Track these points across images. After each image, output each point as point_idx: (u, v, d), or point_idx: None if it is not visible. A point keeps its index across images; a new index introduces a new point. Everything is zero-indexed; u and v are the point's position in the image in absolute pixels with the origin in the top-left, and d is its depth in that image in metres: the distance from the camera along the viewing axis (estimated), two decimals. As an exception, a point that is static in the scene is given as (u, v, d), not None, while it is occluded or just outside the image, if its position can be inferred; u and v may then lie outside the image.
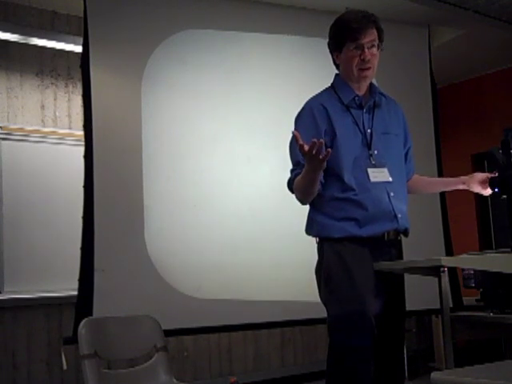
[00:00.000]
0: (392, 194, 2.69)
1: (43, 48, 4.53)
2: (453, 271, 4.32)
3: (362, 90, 2.75)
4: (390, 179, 2.70)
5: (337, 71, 2.84)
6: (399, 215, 2.67)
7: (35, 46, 4.49)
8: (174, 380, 3.32)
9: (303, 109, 2.76)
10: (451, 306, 3.98)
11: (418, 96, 4.96)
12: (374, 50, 2.69)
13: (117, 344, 3.31)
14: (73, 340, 3.37)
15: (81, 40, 3.94)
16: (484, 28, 5.17)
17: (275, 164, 4.24)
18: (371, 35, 2.67)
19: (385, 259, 2.66)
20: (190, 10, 4.26)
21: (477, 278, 4.30)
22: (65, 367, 3.48)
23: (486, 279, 4.13)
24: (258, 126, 4.32)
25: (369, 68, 2.70)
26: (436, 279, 2.69)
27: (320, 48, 4.52)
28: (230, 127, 4.28)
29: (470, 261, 3.17)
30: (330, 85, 2.84)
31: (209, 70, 4.25)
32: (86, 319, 3.26)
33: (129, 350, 3.35)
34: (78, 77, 4.19)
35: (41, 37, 4.40)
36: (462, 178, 2.93)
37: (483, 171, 6.20)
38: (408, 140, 2.92)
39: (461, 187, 2.93)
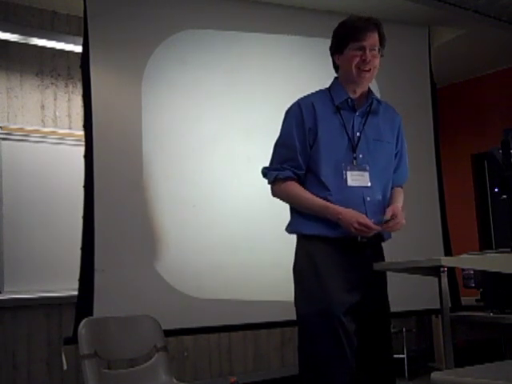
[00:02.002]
0: (368, 199, 2.68)
1: (43, 48, 4.53)
2: (452, 271, 4.32)
3: (357, 93, 2.77)
4: (369, 184, 2.70)
5: (335, 75, 2.86)
6: (372, 220, 2.65)
7: (35, 46, 4.49)
8: (174, 380, 3.32)
9: (293, 105, 2.81)
10: (450, 305, 3.98)
11: (418, 96, 4.96)
12: (375, 53, 2.71)
13: (117, 344, 3.31)
14: (73, 340, 3.37)
15: (81, 40, 3.94)
16: (484, 28, 5.17)
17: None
18: (373, 38, 2.70)
19: (359, 260, 2.65)
20: (189, 10, 4.26)
21: (477, 278, 4.30)
22: (65, 367, 3.48)
23: (485, 279, 4.13)
24: (258, 125, 4.31)
25: (368, 70, 2.71)
26: (435, 279, 2.70)
27: (320, 48, 4.53)
28: (230, 127, 4.28)
29: (470, 261, 3.18)
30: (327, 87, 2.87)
31: (209, 70, 4.26)
32: (86, 319, 3.27)
33: (129, 350, 3.35)
34: (78, 77, 4.19)
35: (41, 37, 4.39)
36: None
37: (483, 171, 6.27)
38: (399, 150, 2.89)
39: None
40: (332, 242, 2.64)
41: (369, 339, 2.66)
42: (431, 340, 5.90)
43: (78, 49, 4.11)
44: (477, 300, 4.37)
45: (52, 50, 4.57)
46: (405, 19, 4.83)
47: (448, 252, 4.73)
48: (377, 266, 2.65)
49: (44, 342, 4.36)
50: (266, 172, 2.80)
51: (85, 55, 3.89)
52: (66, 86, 4.67)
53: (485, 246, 6.17)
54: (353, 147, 2.71)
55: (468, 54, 5.68)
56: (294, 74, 4.50)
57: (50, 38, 4.43)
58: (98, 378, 3.06)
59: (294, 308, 2.77)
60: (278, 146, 2.79)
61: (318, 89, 2.87)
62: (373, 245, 2.73)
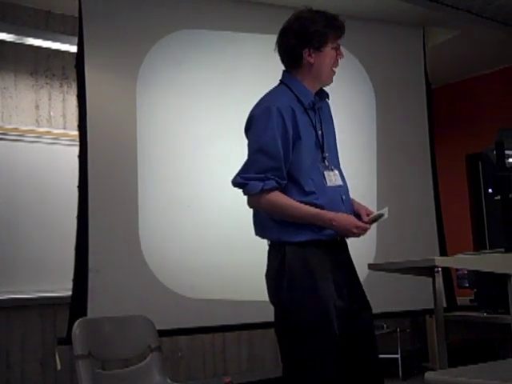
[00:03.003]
0: (344, 197, 2.66)
1: (38, 48, 4.52)
2: (446, 271, 4.33)
3: (315, 91, 2.68)
4: (341, 183, 2.67)
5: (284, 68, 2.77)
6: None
7: (30, 46, 4.48)
8: (168, 380, 3.32)
9: (269, 109, 2.58)
10: (445, 306, 3.99)
11: (413, 96, 4.97)
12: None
13: (111, 344, 3.31)
14: (67, 340, 3.36)
15: (75, 40, 3.93)
16: (478, 29, 5.19)
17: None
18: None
19: (340, 261, 2.61)
20: (185, 9, 4.26)
21: (470, 279, 4.31)
22: (59, 367, 3.47)
23: (479, 279, 4.14)
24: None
25: (335, 70, 2.68)
26: (429, 279, 2.71)
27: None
28: (226, 127, 4.27)
29: (464, 261, 3.19)
30: (279, 82, 2.76)
31: (204, 70, 4.25)
32: (80, 319, 3.26)
33: (123, 350, 3.35)
34: (73, 77, 4.18)
35: (36, 36, 4.38)
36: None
37: (477, 172, 6.28)
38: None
39: None
40: (321, 245, 2.57)
41: (355, 340, 2.61)
42: (425, 340, 5.91)
43: (73, 49, 4.09)
44: (471, 300, 4.38)
45: (47, 49, 4.56)
46: (400, 20, 4.83)
47: (443, 252, 4.74)
48: (372, 267, 2.65)
49: (38, 343, 4.35)
50: (244, 182, 2.59)
51: (79, 55, 3.88)
52: (61, 86, 4.66)
53: (479, 246, 6.18)
54: (321, 147, 2.64)
55: (463, 54, 5.69)
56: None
57: (44, 38, 4.42)
58: (91, 378, 3.05)
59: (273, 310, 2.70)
60: (259, 152, 2.57)
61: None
62: (346, 245, 2.71)
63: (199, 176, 4.17)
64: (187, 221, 4.06)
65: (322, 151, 2.64)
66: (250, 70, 4.41)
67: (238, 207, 4.22)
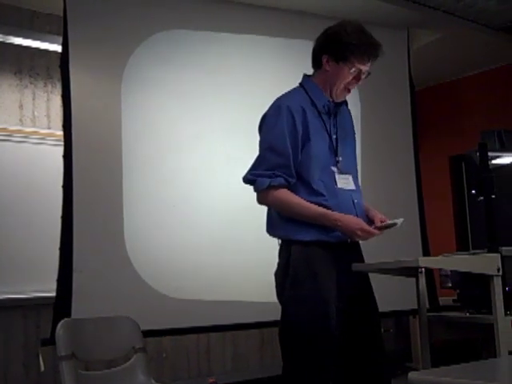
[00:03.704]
0: (356, 201, 2.69)
1: (22, 47, 4.49)
2: (429, 272, 4.36)
3: (330, 97, 2.72)
4: (354, 187, 2.70)
5: (307, 71, 2.80)
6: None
7: (14, 45, 4.45)
8: (153, 381, 3.31)
9: (280, 108, 2.64)
10: (428, 306, 4.01)
11: (397, 98, 5.00)
12: (365, 75, 2.67)
13: (95, 345, 3.30)
14: (51, 341, 3.35)
15: (60, 39, 3.91)
16: (462, 31, 5.23)
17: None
18: (370, 64, 2.65)
19: (347, 263, 2.62)
20: (170, 10, 4.25)
21: (454, 279, 4.34)
22: (42, 369, 3.45)
23: (462, 280, 4.17)
24: (238, 126, 4.32)
25: (351, 90, 2.70)
26: (412, 280, 2.72)
27: (300, 49, 4.58)
28: (210, 127, 4.28)
29: (448, 262, 3.21)
30: (298, 85, 2.79)
31: (189, 70, 4.25)
32: (63, 320, 3.25)
33: (107, 351, 3.33)
34: (58, 76, 4.16)
35: (20, 36, 4.35)
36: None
37: (461, 173, 6.33)
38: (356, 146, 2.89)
39: None
40: (327, 246, 2.60)
41: (358, 341, 2.64)
42: (409, 340, 5.94)
43: (58, 48, 4.07)
44: (454, 300, 4.41)
45: (31, 49, 4.53)
46: (384, 22, 4.86)
47: (426, 253, 4.77)
48: (355, 267, 2.66)
49: (21, 344, 4.32)
50: (253, 178, 2.62)
51: (64, 55, 3.86)
52: (45, 85, 4.64)
53: (462, 247, 6.23)
54: (335, 150, 2.69)
55: (447, 56, 5.73)
56: (275, 75, 4.51)
57: (29, 37, 4.39)
58: (75, 379, 3.04)
59: (273, 309, 2.74)
60: (268, 150, 2.62)
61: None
62: (357, 246, 2.74)
63: (184, 176, 4.16)
64: (172, 221, 4.06)
65: (336, 155, 2.67)
66: (236, 71, 4.42)
67: (222, 207, 4.24)
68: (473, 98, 6.24)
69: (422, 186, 4.95)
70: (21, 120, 4.51)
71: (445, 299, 4.63)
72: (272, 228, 2.73)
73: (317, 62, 2.71)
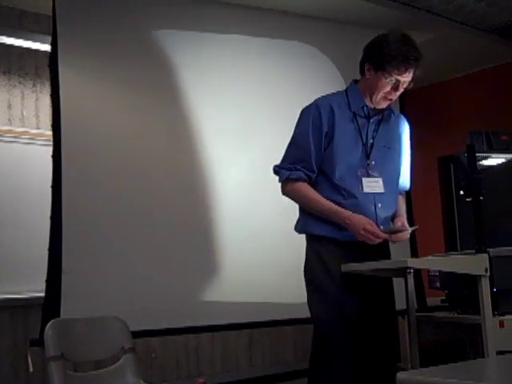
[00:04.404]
0: (379, 205, 2.73)
1: (11, 46, 4.46)
2: (417, 273, 4.37)
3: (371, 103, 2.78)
4: (383, 190, 2.74)
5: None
6: (381, 226, 2.70)
7: (2, 45, 4.42)
8: (142, 382, 3.31)
9: (311, 105, 2.77)
10: (416, 307, 4.02)
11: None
12: (405, 85, 2.70)
13: (84, 346, 3.29)
14: (39, 342, 3.34)
15: (49, 39, 3.90)
16: (451, 33, 5.25)
17: (247, 165, 4.26)
18: (411, 74, 2.67)
19: (365, 259, 2.66)
20: (160, 10, 4.24)
21: (442, 279, 4.35)
22: (31, 369, 3.43)
23: (450, 280, 4.18)
24: (228, 127, 4.32)
25: (391, 99, 2.74)
26: (401, 280, 2.73)
27: (290, 50, 4.59)
28: (201, 129, 4.27)
29: (436, 262, 3.23)
30: (344, 89, 2.87)
31: (180, 71, 4.24)
32: (52, 321, 3.24)
33: (96, 351, 3.33)
34: (46, 76, 4.14)
35: (8, 35, 4.32)
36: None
37: (449, 174, 6.34)
38: (404, 157, 2.96)
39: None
40: (340, 243, 2.67)
41: (373, 339, 2.71)
42: (397, 340, 5.95)
43: (47, 48, 4.06)
44: (442, 300, 4.42)
45: (20, 48, 4.50)
46: (374, 23, 4.85)
47: (414, 253, 4.78)
48: (344, 268, 2.67)
49: (9, 344, 4.30)
50: (277, 170, 2.78)
51: (53, 54, 3.85)
52: (34, 85, 4.61)
53: (450, 247, 6.25)
54: (367, 154, 2.75)
55: (436, 58, 5.73)
56: (266, 76, 4.52)
57: (17, 37, 4.36)
58: (64, 380, 3.03)
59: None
60: (292, 144, 2.78)
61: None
62: (381, 247, 2.77)
63: (174, 178, 4.16)
64: (162, 221, 4.05)
65: (367, 158, 2.73)
66: (226, 73, 4.41)
67: (213, 207, 4.23)
68: (461, 99, 6.27)
69: (411, 187, 4.96)
70: (9, 120, 4.48)
71: (433, 300, 4.64)
72: (297, 222, 2.85)
73: (361, 69, 2.79)
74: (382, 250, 2.79)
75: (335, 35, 4.74)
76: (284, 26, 4.63)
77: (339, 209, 2.65)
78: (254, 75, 4.50)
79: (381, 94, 2.70)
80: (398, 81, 2.66)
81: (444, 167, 6.44)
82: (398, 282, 2.85)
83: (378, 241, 2.65)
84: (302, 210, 2.80)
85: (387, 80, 2.66)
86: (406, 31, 5.09)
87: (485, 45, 5.53)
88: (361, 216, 2.63)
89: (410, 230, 2.74)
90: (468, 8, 4.92)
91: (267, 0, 4.48)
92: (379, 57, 2.66)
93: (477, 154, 3.65)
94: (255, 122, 4.41)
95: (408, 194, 4.91)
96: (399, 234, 2.73)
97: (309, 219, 2.75)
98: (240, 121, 4.37)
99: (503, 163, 4.28)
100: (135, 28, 4.15)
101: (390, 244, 2.85)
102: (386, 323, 2.82)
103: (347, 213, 2.63)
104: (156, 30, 4.20)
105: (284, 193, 2.80)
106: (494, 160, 4.28)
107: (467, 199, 3.52)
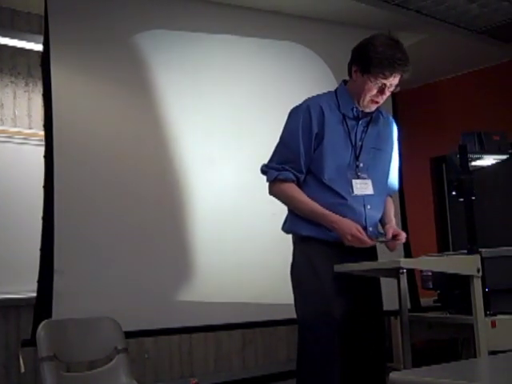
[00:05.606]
0: (369, 207, 2.73)
1: (3, 46, 4.44)
2: (410, 273, 4.38)
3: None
4: (372, 192, 2.74)
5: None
6: (370, 228, 2.71)
7: (-6, 44, 4.42)
8: (135, 382, 3.31)
9: (301, 106, 2.75)
10: (409, 307, 4.03)
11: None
12: (392, 89, 2.70)
13: (76, 346, 3.29)
14: (31, 342, 3.33)
15: (41, 38, 3.89)
16: (443, 34, 5.26)
17: (238, 165, 4.26)
18: (397, 78, 2.67)
19: (353, 260, 2.67)
20: (152, 10, 4.24)
21: (435, 280, 4.36)
22: (22, 370, 3.42)
23: (443, 280, 4.19)
24: (218, 126, 4.32)
25: (378, 102, 2.73)
26: (394, 281, 2.74)
27: (279, 50, 4.60)
28: (191, 128, 4.27)
29: (428, 263, 3.24)
30: (334, 89, 2.86)
31: (172, 70, 4.24)
32: (45, 321, 3.23)
33: (89, 352, 3.32)
34: (39, 76, 4.13)
35: (0, 35, 4.31)
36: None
37: (441, 174, 6.36)
38: (393, 158, 2.95)
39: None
40: (327, 244, 2.66)
41: (363, 339, 2.70)
42: (390, 340, 5.97)
43: (39, 47, 4.05)
44: (434, 301, 4.44)
45: (12, 48, 4.49)
46: (365, 23, 4.87)
47: (408, 254, 4.79)
48: (338, 268, 2.67)
49: (1, 345, 4.28)
50: (265, 170, 2.76)
51: (45, 54, 3.84)
52: (26, 84, 4.60)
53: (443, 248, 6.27)
54: (356, 155, 2.74)
55: (427, 58, 5.76)
56: (256, 76, 4.52)
57: (9, 36, 4.34)
58: (56, 380, 3.03)
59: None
60: (281, 144, 2.76)
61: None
62: (370, 248, 2.76)
63: (165, 176, 4.16)
64: (154, 221, 4.04)
65: (357, 160, 2.73)
66: (217, 72, 4.41)
67: (205, 208, 4.23)
68: (454, 99, 6.29)
69: (403, 187, 4.97)
70: (2, 120, 4.47)
71: (426, 300, 4.65)
72: (284, 223, 2.83)
73: (349, 71, 2.78)
74: (368, 250, 2.78)
75: (327, 35, 4.75)
76: (276, 26, 4.64)
77: (326, 212, 2.63)
78: (246, 75, 4.50)
79: (368, 97, 2.70)
80: (383, 84, 2.66)
81: (436, 168, 6.46)
82: (391, 283, 2.85)
83: (364, 246, 2.65)
84: (290, 210, 2.79)
85: (373, 83, 2.66)
86: (398, 32, 5.17)
87: (476, 46, 5.54)
88: (349, 221, 2.63)
89: (404, 234, 2.73)
90: (459, 9, 4.93)
91: (258, 0, 4.49)
92: (365, 60, 2.65)
93: (469, 155, 3.66)
94: (247, 122, 4.41)
95: (401, 195, 4.93)
96: (393, 243, 2.74)
97: (296, 219, 2.73)
98: (231, 121, 4.37)
99: (495, 164, 4.29)
100: (127, 28, 4.14)
101: (383, 245, 2.85)
102: (376, 323, 2.81)
103: (335, 217, 2.62)
104: (147, 30, 4.20)
105: (271, 193, 2.78)
106: (486, 160, 4.29)
107: (459, 199, 3.53)
